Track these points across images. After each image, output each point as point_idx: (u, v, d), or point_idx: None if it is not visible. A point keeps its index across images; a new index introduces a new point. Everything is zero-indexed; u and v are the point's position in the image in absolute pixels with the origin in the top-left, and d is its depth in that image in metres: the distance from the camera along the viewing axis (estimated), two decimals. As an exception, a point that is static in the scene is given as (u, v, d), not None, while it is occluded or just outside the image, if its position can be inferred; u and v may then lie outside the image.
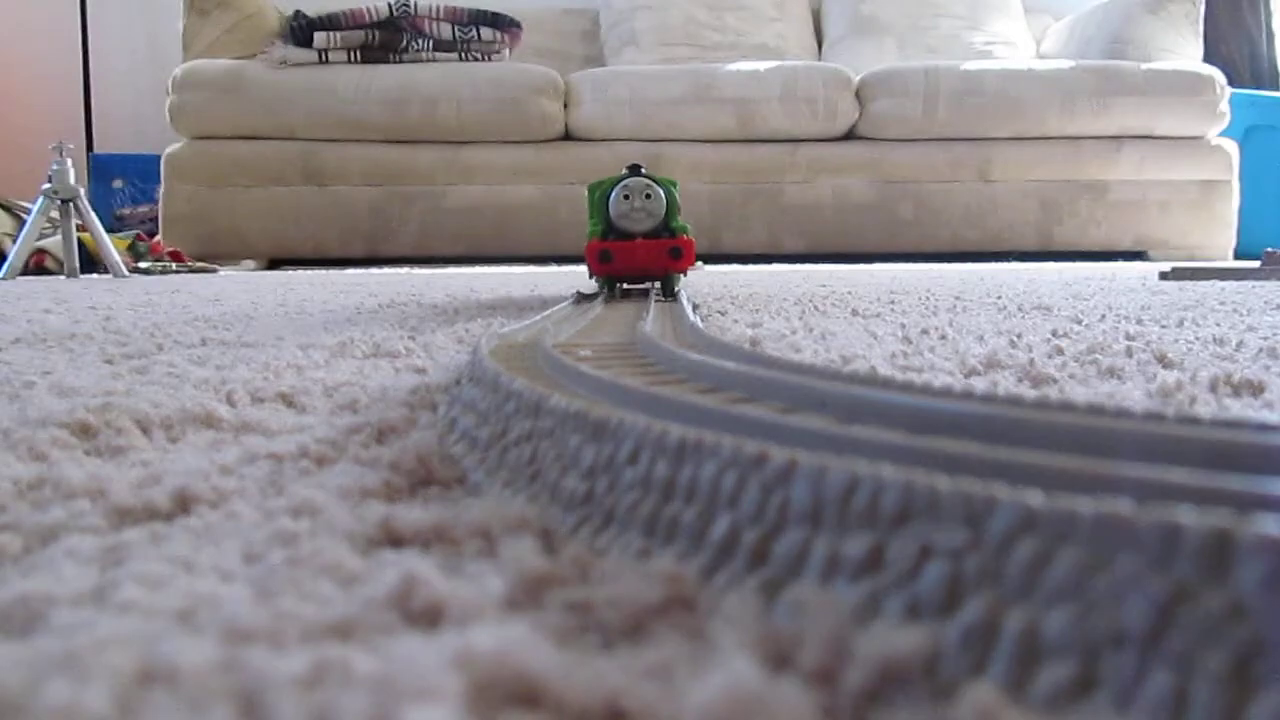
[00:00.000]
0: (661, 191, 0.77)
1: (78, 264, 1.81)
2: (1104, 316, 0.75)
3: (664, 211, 0.77)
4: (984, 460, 0.16)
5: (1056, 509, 0.13)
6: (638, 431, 0.21)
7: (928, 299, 0.97)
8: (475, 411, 0.30)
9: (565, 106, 2.38)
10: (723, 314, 0.78)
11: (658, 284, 0.80)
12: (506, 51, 2.46)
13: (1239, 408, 0.37)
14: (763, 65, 2.42)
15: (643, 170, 0.79)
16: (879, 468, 0.16)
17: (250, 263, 2.37)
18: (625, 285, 0.83)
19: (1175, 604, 0.12)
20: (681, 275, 0.82)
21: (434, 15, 2.41)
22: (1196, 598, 0.12)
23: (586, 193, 0.81)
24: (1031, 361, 0.48)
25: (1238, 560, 0.12)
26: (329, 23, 2.37)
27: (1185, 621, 0.12)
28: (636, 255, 0.76)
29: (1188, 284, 1.25)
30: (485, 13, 2.44)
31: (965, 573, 0.14)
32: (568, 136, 2.40)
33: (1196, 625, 0.11)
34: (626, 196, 0.77)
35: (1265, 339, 0.57)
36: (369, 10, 2.38)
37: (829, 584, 0.16)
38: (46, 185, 1.79)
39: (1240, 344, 0.55)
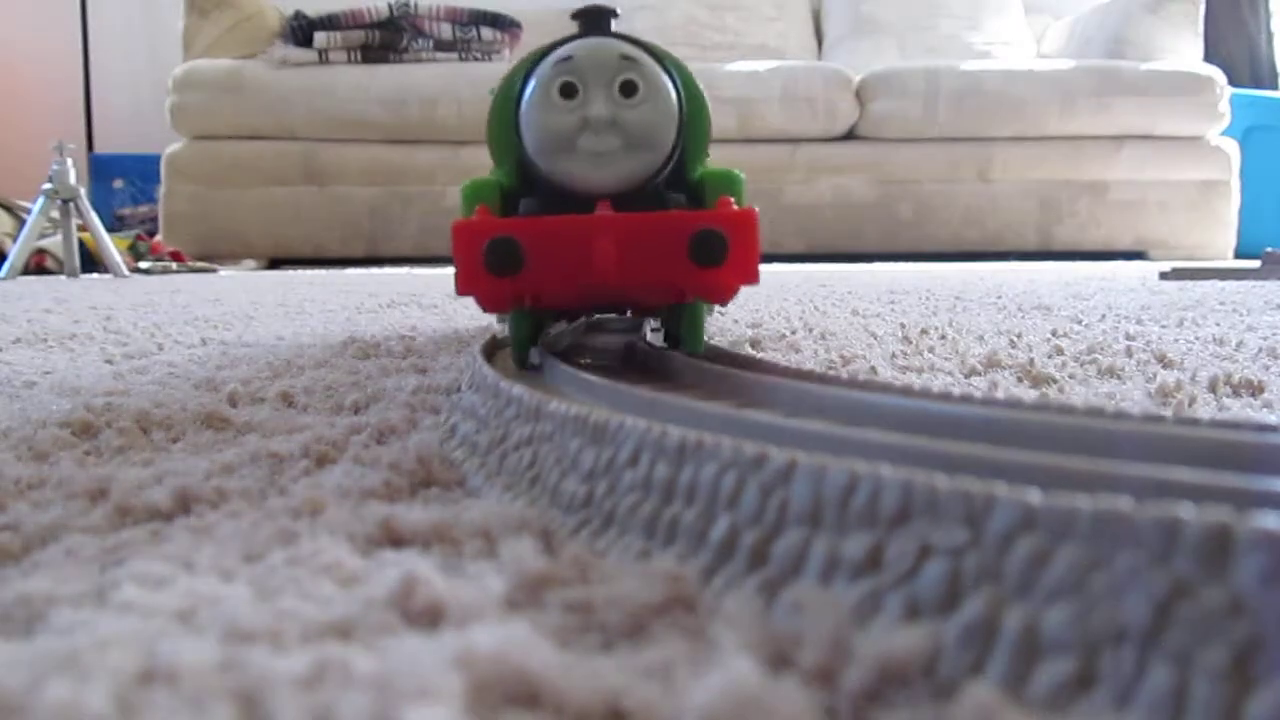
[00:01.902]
0: (666, 82, 0.34)
1: (78, 264, 1.80)
2: (1104, 316, 0.76)
3: (671, 135, 0.34)
4: (983, 460, 0.16)
5: (1055, 507, 0.13)
6: (638, 434, 0.21)
7: (928, 299, 0.97)
8: (475, 417, 0.30)
9: (565, 106, 2.37)
10: (723, 313, 0.78)
11: (653, 321, 0.40)
12: (507, 51, 2.46)
13: (1239, 407, 0.37)
14: (763, 65, 2.42)
15: (612, 26, 0.34)
16: (878, 467, 0.16)
17: (250, 263, 2.37)
18: (586, 317, 0.41)
19: (1174, 600, 0.12)
20: (715, 309, 0.40)
21: (434, 15, 2.41)
22: (1195, 594, 0.12)
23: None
24: (1031, 361, 0.48)
25: (1237, 556, 0.12)
26: (329, 23, 2.36)
27: (1184, 618, 0.12)
28: (593, 255, 0.31)
29: (1188, 284, 1.25)
30: (485, 13, 2.44)
31: (965, 571, 0.14)
32: (568, 136, 2.39)
33: (1195, 621, 0.11)
34: (569, 90, 0.33)
35: (1265, 339, 0.57)
36: (369, 10, 2.38)
37: (829, 584, 0.16)
38: (47, 185, 1.78)
39: (1240, 344, 0.55)
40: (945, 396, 0.24)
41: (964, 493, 0.14)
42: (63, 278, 1.79)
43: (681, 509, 0.19)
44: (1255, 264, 1.53)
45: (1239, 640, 0.11)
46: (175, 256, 2.17)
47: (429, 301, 1.00)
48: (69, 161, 1.80)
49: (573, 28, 0.35)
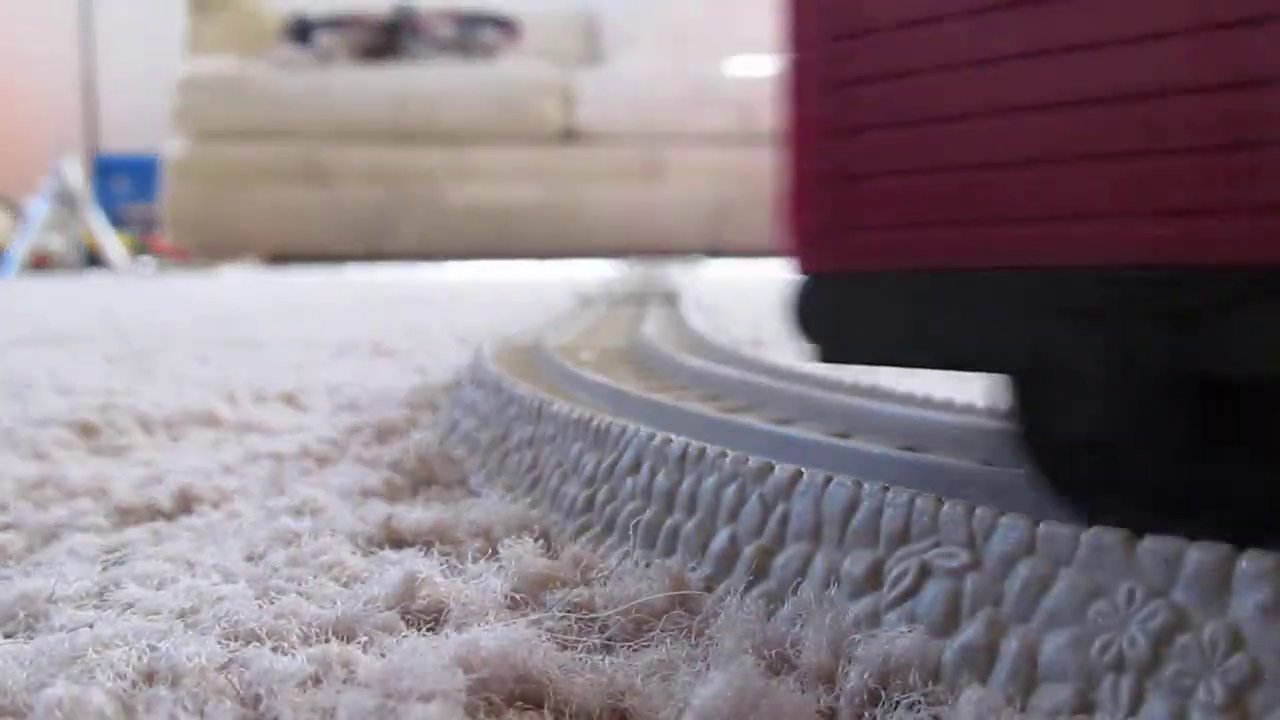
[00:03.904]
0: None
1: (80, 263, 1.81)
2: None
3: None
4: (983, 477, 0.16)
5: (1057, 532, 0.13)
6: (639, 441, 0.21)
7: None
8: (476, 415, 0.30)
9: (565, 106, 2.38)
10: (724, 314, 0.78)
11: None
12: (507, 51, 2.46)
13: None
14: (763, 65, 2.42)
15: None
16: (880, 485, 0.16)
17: (252, 262, 2.37)
18: None
19: (1173, 631, 0.12)
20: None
21: (434, 15, 2.41)
22: (1194, 626, 0.12)
23: None
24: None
25: (1236, 589, 0.12)
26: (329, 23, 2.37)
27: (1183, 649, 0.12)
28: None
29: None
30: (485, 13, 2.44)
31: (964, 593, 0.14)
32: (568, 136, 2.40)
33: (1194, 653, 0.11)
34: None
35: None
36: (369, 10, 2.38)
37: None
38: (49, 184, 1.79)
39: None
40: (947, 406, 0.24)
41: (966, 514, 0.14)
42: (64, 277, 1.79)
43: (682, 519, 0.19)
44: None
45: (1237, 674, 0.11)
46: (176, 256, 2.17)
47: (429, 301, 1.00)
48: (72, 161, 1.81)
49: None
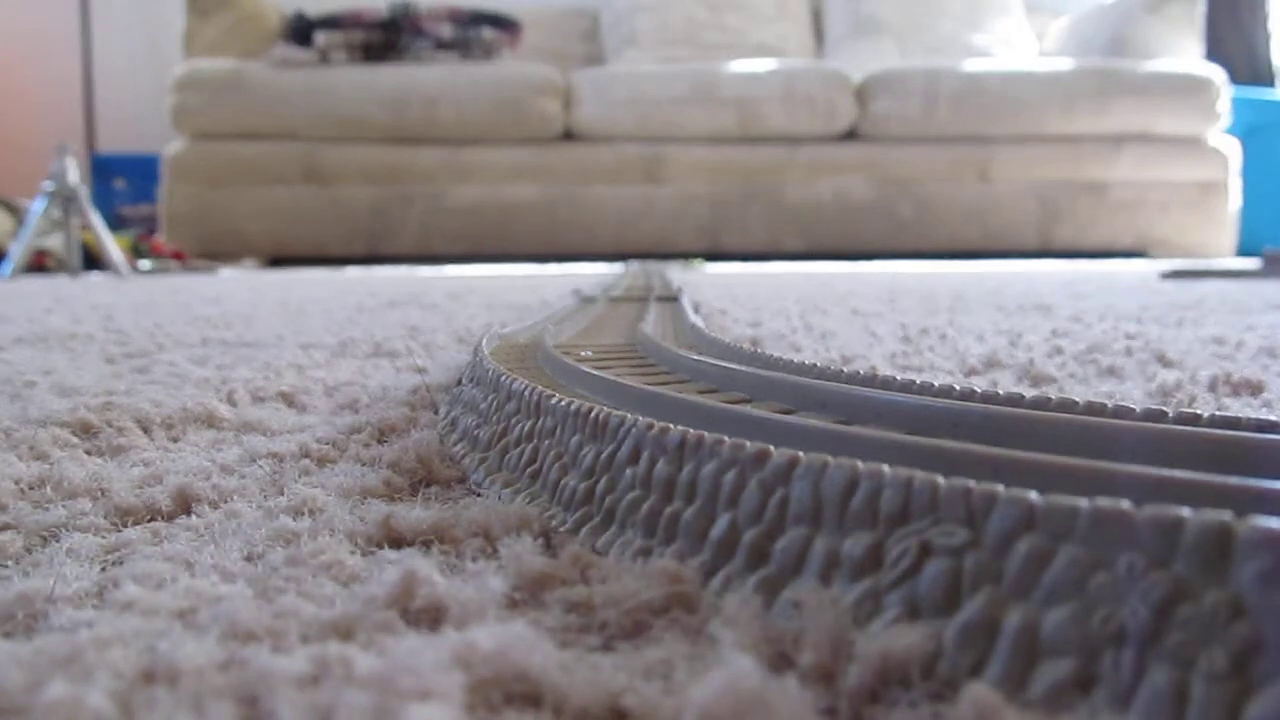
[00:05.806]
0: None
1: (79, 263, 1.80)
2: (1104, 316, 0.76)
3: None
4: (983, 459, 0.16)
5: (1056, 507, 0.13)
6: (638, 431, 0.21)
7: (928, 299, 0.97)
8: (476, 411, 0.30)
9: (565, 106, 2.38)
10: (723, 313, 0.78)
11: None
12: (507, 51, 2.46)
13: (1238, 407, 0.37)
14: (763, 65, 2.42)
15: None
16: (878, 466, 0.16)
17: (250, 262, 2.37)
18: None
19: (1174, 601, 0.12)
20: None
21: (434, 15, 2.41)
22: (1195, 595, 0.12)
23: None
24: (1031, 361, 0.48)
25: (1236, 558, 0.12)
26: (329, 23, 2.36)
27: (1184, 619, 0.12)
28: None
29: (1188, 284, 1.25)
30: (485, 13, 2.44)
31: (965, 571, 0.14)
32: (568, 136, 2.40)
33: (1195, 623, 0.12)
34: None
35: (1265, 339, 0.57)
36: (369, 10, 2.38)
37: (829, 583, 0.16)
38: (48, 184, 1.79)
39: (1240, 344, 0.55)
40: (946, 392, 0.24)
41: (964, 492, 0.14)
42: (63, 277, 1.79)
43: (682, 507, 0.19)
44: (1255, 264, 1.53)
45: (1239, 642, 0.11)
46: (176, 256, 2.17)
47: (429, 301, 1.00)
48: (70, 161, 1.80)
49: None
